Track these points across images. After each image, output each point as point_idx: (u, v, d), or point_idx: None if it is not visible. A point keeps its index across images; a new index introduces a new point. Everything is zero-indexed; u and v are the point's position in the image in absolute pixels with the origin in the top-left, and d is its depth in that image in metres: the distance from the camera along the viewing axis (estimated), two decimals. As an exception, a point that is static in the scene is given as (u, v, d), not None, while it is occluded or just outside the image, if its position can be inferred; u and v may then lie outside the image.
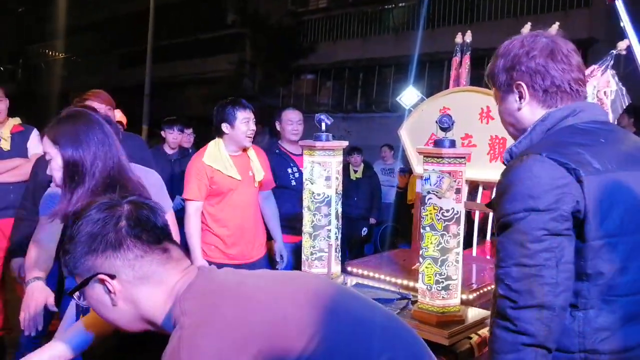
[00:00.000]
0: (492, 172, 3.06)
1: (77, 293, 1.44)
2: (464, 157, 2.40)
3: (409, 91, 3.37)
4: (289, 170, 4.45)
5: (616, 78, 3.09)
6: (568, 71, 1.65)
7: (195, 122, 7.47)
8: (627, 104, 3.09)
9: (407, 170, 9.00)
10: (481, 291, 2.79)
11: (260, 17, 18.79)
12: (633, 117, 4.95)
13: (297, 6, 20.57)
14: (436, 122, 2.43)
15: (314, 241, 2.89)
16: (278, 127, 4.64)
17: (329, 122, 2.83)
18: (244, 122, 3.74)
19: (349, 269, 3.12)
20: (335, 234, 2.91)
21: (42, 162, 3.55)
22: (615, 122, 3.11)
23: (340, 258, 3.01)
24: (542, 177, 1.50)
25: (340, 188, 2.90)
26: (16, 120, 4.32)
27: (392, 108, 16.86)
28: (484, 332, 2.59)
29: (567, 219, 1.49)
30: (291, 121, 4.54)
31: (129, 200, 1.41)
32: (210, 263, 3.71)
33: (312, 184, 2.84)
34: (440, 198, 2.36)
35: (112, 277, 1.35)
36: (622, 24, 2.71)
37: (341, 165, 2.91)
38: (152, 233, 1.38)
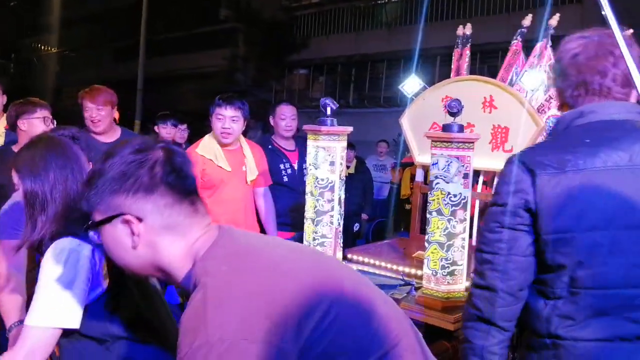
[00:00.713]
0: (494, 161, 3.05)
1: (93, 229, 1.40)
2: (473, 142, 2.40)
3: (411, 80, 3.36)
4: (282, 166, 4.43)
5: None
6: (588, 73, 1.70)
7: (189, 117, 7.43)
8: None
9: (402, 165, 8.98)
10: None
11: (253, 12, 18.72)
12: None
13: (290, 1, 20.53)
14: (445, 106, 2.43)
15: (317, 227, 2.88)
16: (272, 122, 4.62)
17: (334, 107, 2.82)
18: (217, 118, 3.81)
19: (349, 256, 3.12)
20: (338, 220, 2.90)
21: None
22: None
23: (342, 244, 3.01)
24: (506, 177, 1.68)
25: (344, 174, 2.89)
26: None
27: (385, 103, 16.90)
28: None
29: (518, 215, 1.65)
30: (284, 116, 4.49)
31: (163, 147, 1.38)
32: None
33: (316, 169, 2.83)
34: (447, 183, 2.36)
35: (140, 220, 1.32)
36: (603, 13, 2.73)
37: (345, 151, 2.90)
38: (184, 183, 1.36)
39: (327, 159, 2.80)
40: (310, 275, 1.30)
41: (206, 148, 3.83)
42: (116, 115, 4.83)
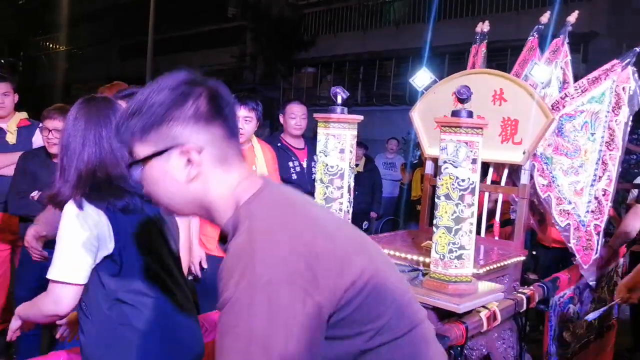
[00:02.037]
0: (503, 153, 3.08)
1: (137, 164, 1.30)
2: (481, 128, 2.42)
3: (422, 73, 3.38)
4: (290, 164, 4.45)
5: (636, 75, 3.15)
6: None
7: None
8: None
9: (411, 164, 8.97)
10: (490, 267, 2.81)
11: (261, 10, 18.75)
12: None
13: (298, -1, 20.57)
14: (454, 93, 2.47)
15: (327, 214, 2.90)
16: (281, 120, 4.62)
17: (344, 96, 2.85)
18: None
19: (359, 245, 3.13)
20: (347, 207, 2.93)
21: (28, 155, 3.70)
22: (631, 118, 3.18)
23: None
24: None
25: (353, 161, 2.92)
26: (23, 115, 4.34)
27: (393, 101, 16.91)
28: (493, 306, 2.62)
29: None
30: (294, 115, 4.50)
31: (208, 84, 1.31)
32: (207, 255, 3.76)
33: (325, 156, 2.86)
34: (456, 167, 2.39)
35: (199, 151, 1.23)
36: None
37: (356, 139, 2.93)
38: (235, 120, 1.31)
39: (337, 146, 2.83)
40: (350, 241, 1.27)
41: None
42: None
